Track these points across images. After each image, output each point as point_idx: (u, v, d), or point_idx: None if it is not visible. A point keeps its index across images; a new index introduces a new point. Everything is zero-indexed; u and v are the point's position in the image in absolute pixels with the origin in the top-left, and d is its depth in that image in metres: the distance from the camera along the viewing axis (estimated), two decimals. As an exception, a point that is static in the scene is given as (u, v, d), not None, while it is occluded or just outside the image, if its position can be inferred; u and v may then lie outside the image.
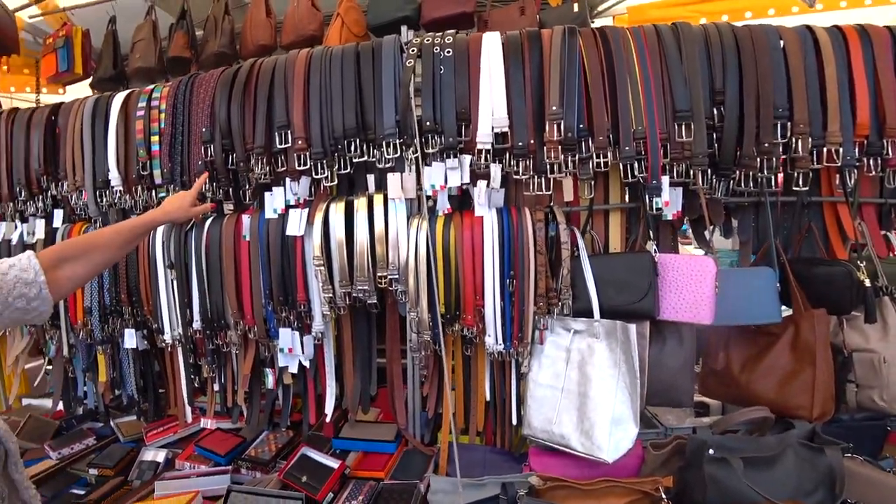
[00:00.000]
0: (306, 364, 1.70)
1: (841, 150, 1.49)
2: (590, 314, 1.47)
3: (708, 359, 1.72)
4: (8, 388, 2.28)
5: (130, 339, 1.86)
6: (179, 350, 1.83)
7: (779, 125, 1.48)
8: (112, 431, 2.00)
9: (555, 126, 1.44)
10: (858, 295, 1.54)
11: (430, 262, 1.50)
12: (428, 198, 1.56)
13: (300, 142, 1.61)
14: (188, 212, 1.45)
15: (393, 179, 1.57)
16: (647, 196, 1.47)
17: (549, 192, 1.49)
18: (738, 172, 1.52)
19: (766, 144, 1.48)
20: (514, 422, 1.61)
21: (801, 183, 1.54)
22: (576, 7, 2.22)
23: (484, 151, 1.49)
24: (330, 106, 1.62)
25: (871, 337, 1.60)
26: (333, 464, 1.62)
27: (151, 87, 1.91)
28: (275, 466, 1.72)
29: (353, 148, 1.60)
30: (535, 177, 1.49)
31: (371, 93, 1.62)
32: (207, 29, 2.45)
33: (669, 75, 1.49)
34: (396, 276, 1.54)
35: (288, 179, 1.67)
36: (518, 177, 1.49)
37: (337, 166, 1.62)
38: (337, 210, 1.59)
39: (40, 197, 2.02)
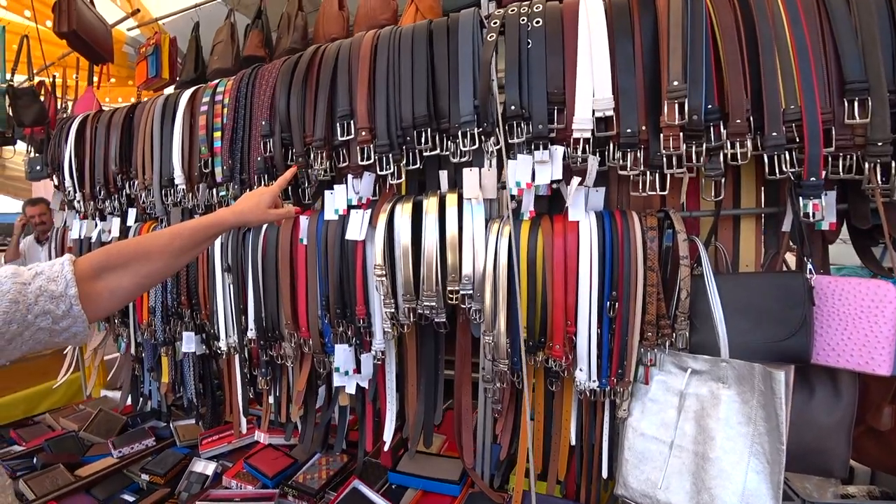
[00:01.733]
0: (364, 385, 1.45)
1: None
2: (713, 351, 1.09)
3: (867, 412, 1.26)
4: (87, 379, 2.25)
5: (189, 343, 1.71)
6: (236, 358, 1.66)
7: None
8: (171, 434, 1.86)
9: (675, 106, 1.07)
10: None
11: (511, 275, 1.19)
12: (512, 198, 1.24)
13: (364, 133, 1.36)
14: (265, 214, 1.05)
15: (469, 176, 1.27)
16: (799, 199, 1.06)
17: (664, 193, 1.12)
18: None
19: (979, 127, 1.02)
20: (605, 475, 1.25)
21: None
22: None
23: (582, 141, 1.15)
24: (398, 92, 1.35)
25: None
26: (386, 506, 1.36)
27: (217, 81, 1.75)
28: (323, 497, 1.49)
29: (423, 139, 1.33)
30: (648, 173, 1.13)
31: (446, 75, 1.33)
32: (281, 27, 2.29)
33: (834, 35, 1.07)
34: (470, 292, 1.24)
35: (350, 176, 1.42)
36: (625, 172, 1.14)
37: (405, 161, 1.36)
38: (403, 211, 1.32)
39: (116, 196, 1.94)
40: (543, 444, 1.34)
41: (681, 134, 1.08)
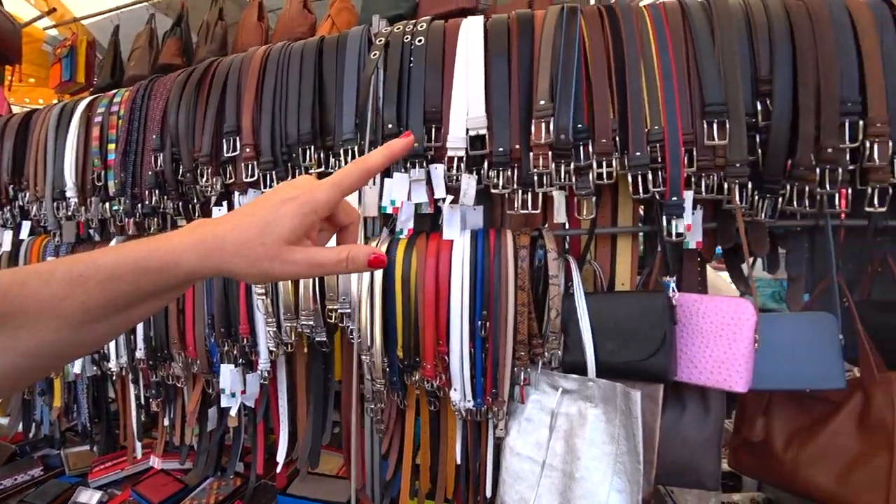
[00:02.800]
0: (250, 404, 1.37)
1: (934, 159, 1.04)
2: (585, 370, 1.06)
3: (742, 424, 1.26)
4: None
5: (77, 363, 1.59)
6: (130, 379, 1.55)
7: (847, 124, 1.04)
8: (61, 462, 1.73)
9: (542, 125, 1.06)
10: (956, 354, 1.07)
11: (386, 295, 1.14)
12: (388, 216, 1.20)
13: (248, 149, 1.29)
14: (279, 271, 0.43)
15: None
16: (663, 217, 1.06)
17: (537, 212, 1.10)
18: (788, 187, 1.09)
19: (830, 150, 1.04)
20: (489, 493, 1.21)
21: (875, 202, 1.09)
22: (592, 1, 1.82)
23: (456, 159, 1.12)
24: (285, 108, 1.30)
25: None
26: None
27: (114, 91, 1.66)
28: (208, 524, 1.40)
29: (308, 157, 1.27)
30: (521, 191, 1.10)
31: (334, 93, 1.29)
32: (200, 35, 2.20)
33: (698, 61, 1.08)
34: (348, 311, 1.19)
35: (237, 193, 1.35)
36: (497, 191, 1.11)
37: (291, 178, 1.30)
38: (284, 228, 1.26)
39: (8, 207, 1.81)
40: (431, 463, 1.29)
41: (549, 153, 1.06)
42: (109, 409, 1.71)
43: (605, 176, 1.05)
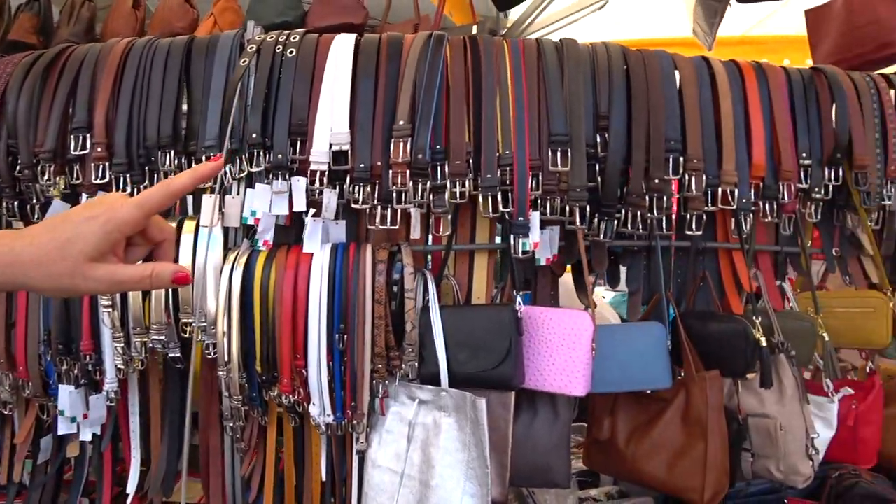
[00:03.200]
0: (92, 434, 1.24)
1: (737, 191, 1.23)
2: (438, 380, 1.10)
3: (592, 425, 1.38)
4: None
5: None
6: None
7: (671, 159, 1.19)
8: None
9: (401, 145, 1.09)
10: (754, 356, 1.25)
11: (244, 308, 1.11)
12: (248, 227, 1.17)
13: (100, 148, 1.20)
14: (81, 287, 0.44)
15: (207, 202, 1.17)
16: (511, 236, 1.13)
17: (396, 227, 1.13)
18: (624, 211, 1.22)
19: (657, 180, 1.18)
20: (355, 509, 1.21)
21: (694, 226, 1.26)
22: (475, 29, 1.93)
23: (319, 173, 1.12)
24: (145, 108, 1.22)
25: (766, 399, 1.31)
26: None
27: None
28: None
29: (168, 161, 1.20)
30: (381, 207, 1.13)
31: (201, 96, 1.23)
32: (63, 14, 1.98)
33: (547, 95, 1.18)
34: (204, 325, 1.13)
35: (84, 195, 1.24)
36: (358, 206, 1.12)
37: (148, 183, 1.22)
38: (135, 237, 1.17)
39: None
40: (296, 481, 1.26)
41: (408, 171, 1.10)
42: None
43: (458, 195, 1.11)
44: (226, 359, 1.11)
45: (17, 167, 1.26)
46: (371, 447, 1.15)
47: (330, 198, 1.11)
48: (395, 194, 1.10)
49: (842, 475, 1.47)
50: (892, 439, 1.43)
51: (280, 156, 1.13)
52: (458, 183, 1.11)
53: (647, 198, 1.21)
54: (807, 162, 1.28)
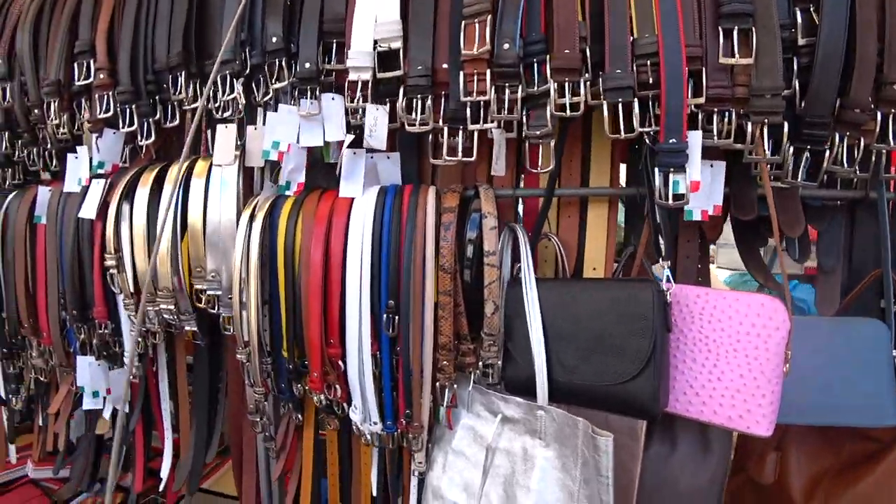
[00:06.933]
0: (119, 408, 1.02)
1: None
2: (531, 389, 0.70)
3: (747, 460, 0.90)
4: None
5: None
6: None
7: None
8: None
9: (476, 30, 0.67)
10: None
11: (267, 273, 0.78)
12: (275, 164, 0.83)
13: (102, 75, 0.92)
14: None
15: (223, 134, 0.84)
16: (655, 171, 0.67)
17: (471, 159, 0.72)
18: (836, 139, 0.71)
19: (896, 86, 0.66)
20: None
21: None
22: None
23: (360, 84, 0.74)
24: (153, 22, 0.92)
25: None
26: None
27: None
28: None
29: (178, 87, 0.89)
30: (448, 130, 0.73)
31: (221, 8, 0.90)
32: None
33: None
34: (218, 292, 0.83)
35: (93, 135, 0.98)
36: (414, 129, 0.73)
37: (162, 116, 0.93)
38: (143, 184, 0.88)
39: None
40: (341, 493, 0.95)
41: (487, 71, 0.68)
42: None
43: (566, 108, 0.67)
44: (245, 339, 0.80)
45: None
46: (433, 470, 0.79)
47: (376, 118, 0.73)
48: (469, 109, 0.69)
49: None
50: None
51: (308, 64, 0.76)
52: (566, 88, 0.67)
53: (878, 114, 0.69)
54: None
